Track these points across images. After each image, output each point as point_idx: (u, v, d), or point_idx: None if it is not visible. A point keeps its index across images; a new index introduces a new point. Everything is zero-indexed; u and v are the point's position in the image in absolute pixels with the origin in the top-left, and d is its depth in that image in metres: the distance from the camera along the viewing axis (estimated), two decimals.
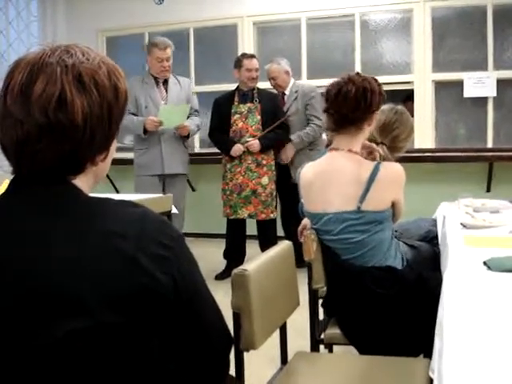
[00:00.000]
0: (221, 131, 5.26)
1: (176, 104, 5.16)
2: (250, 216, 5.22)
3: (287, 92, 5.46)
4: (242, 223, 5.35)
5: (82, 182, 1.13)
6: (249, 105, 5.20)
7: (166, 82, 5.21)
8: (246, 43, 6.93)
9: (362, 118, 2.50)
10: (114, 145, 1.19)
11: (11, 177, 1.13)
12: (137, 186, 5.19)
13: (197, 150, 7.34)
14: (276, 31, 6.99)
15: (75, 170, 1.12)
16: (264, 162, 5.19)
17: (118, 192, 6.88)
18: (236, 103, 5.24)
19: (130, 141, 5.91)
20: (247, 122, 5.17)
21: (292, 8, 6.69)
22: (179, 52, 7.16)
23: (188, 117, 5.22)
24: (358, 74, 2.57)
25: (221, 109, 5.30)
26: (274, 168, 5.29)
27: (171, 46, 5.16)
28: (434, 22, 6.28)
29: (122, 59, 6.83)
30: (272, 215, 5.23)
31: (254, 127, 5.16)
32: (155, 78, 5.17)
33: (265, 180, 5.17)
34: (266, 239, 5.13)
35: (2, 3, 7.00)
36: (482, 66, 6.12)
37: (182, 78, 5.35)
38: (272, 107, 5.23)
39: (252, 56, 5.36)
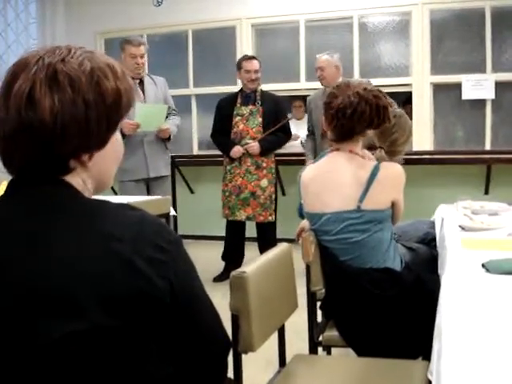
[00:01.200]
0: (223, 133, 5.27)
1: (154, 103, 5.05)
2: (248, 218, 5.22)
3: None
4: (241, 225, 5.36)
5: (76, 182, 1.12)
6: (251, 107, 5.22)
7: (141, 82, 5.08)
8: (245, 45, 6.93)
9: (370, 130, 2.53)
10: (114, 147, 1.18)
11: (9, 178, 1.13)
12: (121, 192, 5.03)
13: (195, 151, 7.34)
14: (274, 33, 6.99)
15: (60, 169, 1.11)
16: (264, 164, 5.21)
17: (116, 193, 6.86)
18: (238, 105, 5.25)
19: None
20: (248, 124, 5.19)
21: (290, 10, 6.69)
22: (178, 54, 7.19)
23: (167, 117, 5.10)
24: (365, 89, 2.52)
25: (223, 111, 5.31)
26: (274, 171, 5.31)
27: (145, 44, 5.07)
28: (433, 25, 6.28)
29: (120, 61, 6.82)
30: (270, 218, 5.24)
31: (254, 129, 5.17)
32: (131, 79, 5.04)
33: (264, 182, 5.19)
34: (266, 242, 5.11)
35: (1, 5, 7.00)
36: (481, 69, 6.12)
37: (156, 78, 5.23)
38: (274, 110, 5.23)
39: (252, 57, 5.35)
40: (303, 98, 6.92)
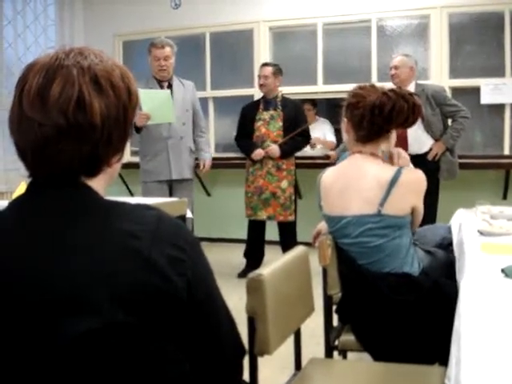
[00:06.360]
0: (245, 137, 5.49)
1: (181, 106, 5.11)
2: (269, 217, 5.41)
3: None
4: (261, 225, 5.54)
5: (97, 184, 1.14)
6: (271, 112, 5.43)
7: (170, 85, 5.14)
8: (262, 48, 6.93)
9: (400, 128, 2.52)
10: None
11: (27, 179, 1.13)
12: (144, 193, 5.13)
13: (212, 154, 7.32)
14: (292, 36, 6.99)
15: (92, 172, 1.12)
16: (284, 166, 5.42)
17: (132, 195, 6.90)
18: (260, 110, 5.48)
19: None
20: (269, 127, 5.40)
21: (308, 13, 6.69)
22: (195, 56, 7.20)
23: (195, 140, 5.32)
24: (399, 87, 2.56)
25: (246, 116, 5.55)
26: (293, 173, 5.50)
27: (171, 45, 5.10)
28: (451, 28, 6.25)
29: (138, 63, 6.85)
30: (290, 218, 5.43)
31: (275, 133, 5.39)
32: (159, 82, 5.10)
33: (284, 184, 5.39)
34: (288, 243, 5.21)
35: (20, 7, 7.05)
36: (500, 73, 6.08)
37: (185, 81, 5.31)
38: (294, 115, 5.43)
39: (264, 64, 5.62)
40: (312, 102, 6.90)
